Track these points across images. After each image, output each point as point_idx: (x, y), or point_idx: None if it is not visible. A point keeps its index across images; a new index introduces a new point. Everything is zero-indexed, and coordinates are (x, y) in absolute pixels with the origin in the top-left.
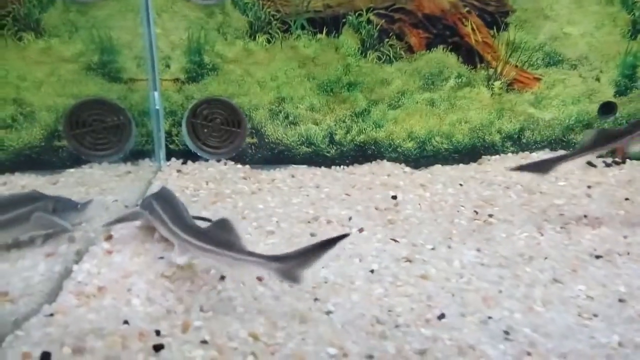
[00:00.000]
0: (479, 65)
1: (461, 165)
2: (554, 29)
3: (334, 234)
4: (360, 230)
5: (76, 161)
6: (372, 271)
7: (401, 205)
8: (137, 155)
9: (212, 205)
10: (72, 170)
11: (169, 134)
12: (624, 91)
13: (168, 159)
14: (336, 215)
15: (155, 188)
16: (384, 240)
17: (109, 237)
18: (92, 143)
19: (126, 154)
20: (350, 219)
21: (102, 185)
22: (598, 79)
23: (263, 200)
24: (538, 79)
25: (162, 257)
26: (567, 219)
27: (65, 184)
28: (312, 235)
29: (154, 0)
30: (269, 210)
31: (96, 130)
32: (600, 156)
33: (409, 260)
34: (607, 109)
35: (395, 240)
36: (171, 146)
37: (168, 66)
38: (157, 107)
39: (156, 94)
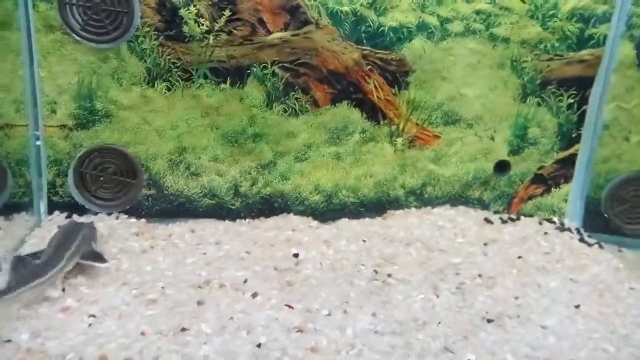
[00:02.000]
0: (382, 122)
1: (367, 219)
2: (451, 89)
3: (225, 301)
4: (254, 295)
5: None
6: (259, 345)
7: (302, 264)
8: (11, 208)
9: (90, 269)
10: None
11: (52, 184)
12: (517, 150)
13: (50, 212)
14: (231, 278)
15: (27, 248)
16: (278, 306)
17: None
18: None
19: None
20: (245, 281)
21: None
22: (492, 138)
23: (153, 260)
24: (438, 137)
25: None
26: (462, 279)
27: None
28: (200, 303)
29: (38, 42)
30: (156, 273)
31: None
32: (496, 212)
33: (301, 330)
34: (502, 167)
35: (290, 306)
36: (54, 198)
37: (54, 112)
38: (38, 155)
39: (39, 141)
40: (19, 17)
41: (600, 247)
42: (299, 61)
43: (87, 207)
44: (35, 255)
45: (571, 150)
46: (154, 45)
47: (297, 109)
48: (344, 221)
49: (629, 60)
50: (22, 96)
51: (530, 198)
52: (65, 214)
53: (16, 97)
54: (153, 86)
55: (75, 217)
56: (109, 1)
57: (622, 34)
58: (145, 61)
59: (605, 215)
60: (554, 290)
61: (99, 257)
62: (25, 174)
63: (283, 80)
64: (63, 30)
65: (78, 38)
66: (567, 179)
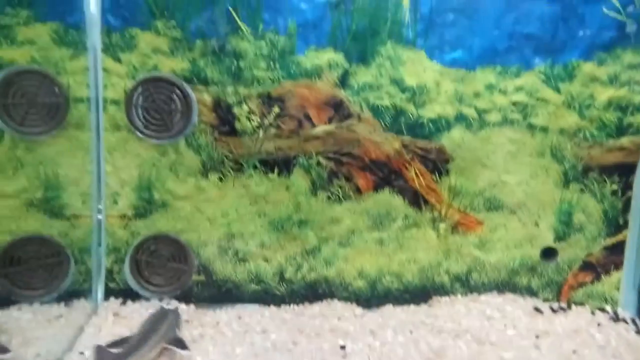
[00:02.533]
0: (424, 208)
1: (412, 306)
2: (492, 176)
3: None
4: None
5: (5, 302)
6: None
7: (350, 357)
8: (72, 294)
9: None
10: None
11: (110, 271)
12: (563, 237)
13: (107, 297)
14: None
15: (87, 336)
16: None
17: None
18: (26, 282)
19: (61, 294)
20: None
21: (27, 334)
22: (537, 225)
23: (204, 350)
24: (480, 223)
25: None
26: None
27: None
28: None
29: (106, 140)
30: None
31: (31, 268)
32: (546, 300)
33: None
34: (548, 253)
35: None
36: (111, 284)
37: (116, 202)
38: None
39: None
40: (91, 119)
41: None
42: (342, 151)
43: (140, 293)
44: (121, 342)
45: (619, 237)
46: (209, 140)
47: (340, 196)
48: (389, 308)
49: None
50: (89, 189)
51: (580, 286)
52: (120, 300)
53: (83, 190)
54: (207, 177)
55: (129, 302)
56: (171, 103)
57: None
58: (200, 155)
59: None
60: None
61: (180, 344)
62: (87, 261)
63: (327, 169)
64: (128, 128)
65: (142, 136)
66: (618, 266)
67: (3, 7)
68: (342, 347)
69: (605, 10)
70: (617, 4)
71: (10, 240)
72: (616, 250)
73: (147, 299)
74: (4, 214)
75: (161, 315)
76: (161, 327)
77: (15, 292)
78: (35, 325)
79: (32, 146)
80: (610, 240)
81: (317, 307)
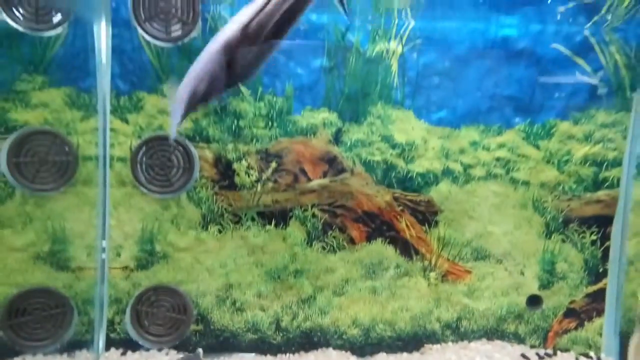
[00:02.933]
0: (414, 257)
1: (405, 354)
2: (479, 227)
3: None
4: None
5: (10, 353)
6: None
7: None
8: (74, 345)
9: None
10: None
11: (111, 322)
12: (547, 285)
13: (107, 348)
14: None
15: None
16: None
17: None
18: (30, 333)
19: (63, 345)
20: None
21: None
22: (522, 273)
23: None
24: (469, 272)
25: None
26: None
27: None
28: None
29: (112, 195)
30: None
31: (36, 319)
32: (532, 346)
33: None
34: (534, 301)
35: None
36: (112, 335)
37: (119, 255)
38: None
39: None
40: (99, 175)
41: None
42: (336, 204)
43: (140, 343)
44: None
45: (600, 285)
46: (210, 194)
47: (334, 246)
48: (382, 356)
49: None
50: (94, 242)
51: (565, 332)
52: (120, 350)
53: (88, 243)
54: (207, 229)
55: (129, 353)
56: (174, 159)
57: (634, 176)
58: (201, 208)
59: None
60: None
61: None
62: (90, 312)
63: (322, 221)
64: (133, 184)
65: (146, 191)
66: (599, 312)
67: (20, 74)
68: None
69: (578, 74)
70: (589, 69)
71: (16, 292)
72: (598, 298)
73: (147, 349)
74: (12, 267)
75: None
76: None
77: (19, 343)
78: None
79: (42, 202)
80: (591, 288)
81: (312, 356)
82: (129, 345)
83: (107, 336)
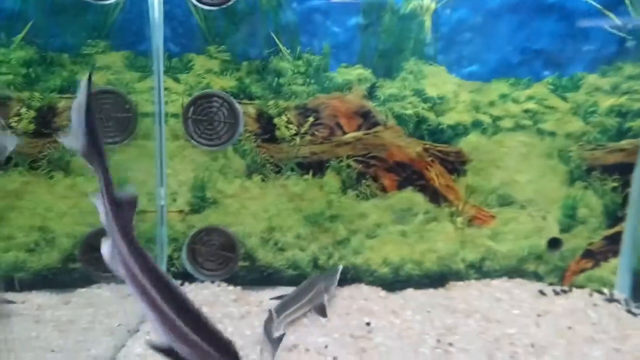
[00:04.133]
0: (442, 204)
1: (431, 289)
2: (505, 176)
3: None
4: (334, 359)
5: (87, 282)
6: None
7: (374, 332)
8: None
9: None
10: (82, 290)
11: (170, 258)
12: (567, 229)
13: None
14: (314, 343)
15: None
16: None
17: None
18: (103, 266)
19: None
20: (326, 347)
21: (109, 308)
22: (544, 218)
23: (250, 325)
24: (493, 217)
25: None
26: (516, 348)
27: (76, 304)
28: None
29: (167, 148)
30: (254, 336)
31: None
32: (550, 284)
33: None
34: (554, 243)
35: None
36: (171, 268)
37: (175, 200)
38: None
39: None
40: (155, 130)
41: None
42: (369, 155)
43: (195, 276)
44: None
45: (617, 228)
46: (253, 146)
47: (368, 194)
48: (410, 291)
49: None
50: (153, 189)
51: (581, 271)
52: (179, 282)
53: (149, 190)
54: (251, 178)
55: (186, 284)
56: (221, 114)
57: None
58: (245, 159)
59: None
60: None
61: (322, 311)
62: (152, 249)
63: (356, 171)
64: (185, 138)
65: (196, 144)
66: (615, 253)
67: (85, 40)
68: (368, 324)
69: (607, 27)
70: (619, 22)
71: (90, 231)
72: (614, 240)
73: (202, 281)
74: (85, 210)
75: (313, 281)
76: (309, 292)
77: (94, 274)
78: (113, 301)
79: (108, 153)
80: (609, 231)
81: (346, 290)
82: (186, 277)
83: (167, 269)
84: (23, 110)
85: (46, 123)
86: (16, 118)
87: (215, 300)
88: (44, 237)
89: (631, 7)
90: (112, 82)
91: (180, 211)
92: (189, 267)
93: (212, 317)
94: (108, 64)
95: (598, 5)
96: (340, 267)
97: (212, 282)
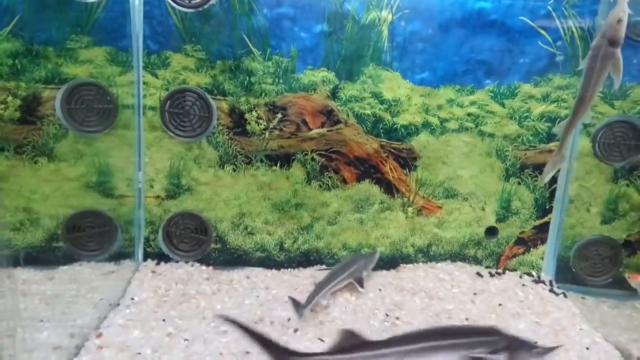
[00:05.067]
0: (396, 195)
1: (384, 271)
2: (450, 171)
3: (275, 334)
4: (295, 330)
5: (69, 259)
6: None
7: (331, 307)
8: (120, 256)
9: (179, 305)
10: (65, 267)
11: (147, 239)
12: (503, 219)
13: (145, 259)
14: (278, 317)
15: (134, 287)
16: (313, 339)
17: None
18: (85, 245)
19: (111, 255)
20: (289, 320)
21: (91, 284)
22: (483, 209)
23: (221, 300)
24: (440, 207)
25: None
26: (453, 322)
27: (60, 280)
28: None
29: (145, 137)
30: (225, 310)
31: (88, 234)
32: (487, 267)
33: None
34: (491, 231)
35: (321, 339)
36: (148, 249)
37: (152, 186)
38: (139, 217)
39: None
40: (135, 121)
41: (565, 296)
42: (331, 149)
43: (171, 256)
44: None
45: (545, 219)
46: (225, 139)
47: (329, 185)
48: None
49: (586, 150)
50: (132, 175)
51: (514, 256)
52: (155, 261)
53: (128, 176)
54: (223, 168)
55: (162, 264)
56: (196, 108)
57: (580, 130)
58: (218, 150)
59: (573, 269)
60: (521, 331)
61: (360, 282)
62: (130, 230)
63: (319, 164)
64: (162, 129)
65: (172, 135)
66: (543, 241)
67: (70, 35)
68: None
69: (540, 43)
70: (550, 39)
71: (72, 213)
72: (543, 229)
73: (176, 261)
74: (68, 193)
75: (355, 258)
76: (351, 267)
77: (76, 252)
78: (95, 277)
79: (90, 141)
80: (538, 222)
81: (308, 271)
82: (162, 257)
83: (145, 250)
84: (9, 98)
85: (31, 111)
86: (2, 105)
87: (189, 279)
88: (29, 218)
89: (560, 27)
90: (95, 75)
91: (157, 196)
92: (164, 248)
93: (187, 294)
94: (91, 58)
95: (533, 24)
96: (379, 250)
97: (186, 262)
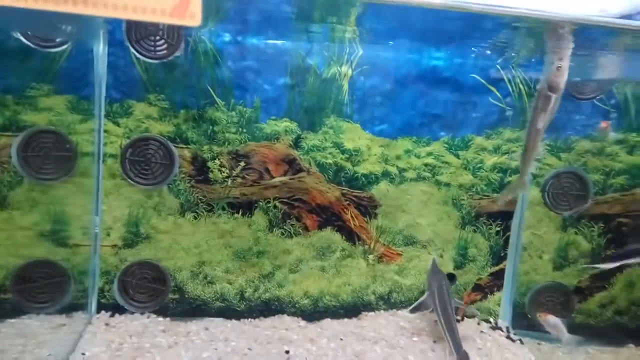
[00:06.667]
0: (357, 243)
1: (345, 319)
2: (409, 219)
3: None
4: None
5: (17, 312)
6: None
7: (292, 359)
8: (71, 308)
9: None
10: (12, 320)
11: (101, 290)
12: (460, 265)
13: (99, 311)
14: None
15: (85, 341)
16: None
17: None
18: (34, 297)
19: (63, 307)
20: None
21: (39, 338)
22: (442, 256)
23: (177, 354)
24: (400, 255)
25: None
26: None
27: (5, 334)
28: None
29: (104, 185)
30: None
31: (39, 285)
32: None
33: None
34: (450, 278)
35: None
36: (102, 300)
37: (109, 234)
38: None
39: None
40: (94, 169)
41: (522, 342)
42: (294, 197)
43: (126, 307)
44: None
45: (501, 266)
46: (187, 186)
47: (292, 232)
48: (327, 321)
49: (536, 200)
50: (88, 224)
51: (472, 302)
52: (109, 313)
53: (84, 225)
54: (184, 216)
55: (117, 315)
56: (157, 156)
57: (530, 181)
58: (179, 198)
59: (529, 316)
60: None
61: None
62: (84, 281)
63: (282, 211)
64: (122, 177)
65: (133, 182)
66: (499, 287)
67: (30, 82)
68: (287, 352)
69: (491, 99)
70: (500, 96)
71: (23, 263)
72: (498, 276)
73: (132, 313)
74: (20, 242)
75: (438, 280)
76: (447, 291)
77: (25, 305)
78: (44, 331)
79: (45, 189)
80: (494, 268)
81: (269, 321)
82: (117, 309)
83: (98, 301)
84: None
85: None
86: None
87: (144, 331)
88: None
89: (509, 85)
90: (54, 123)
91: (114, 245)
92: (119, 299)
93: (141, 348)
94: (51, 106)
95: (483, 81)
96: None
97: (142, 313)
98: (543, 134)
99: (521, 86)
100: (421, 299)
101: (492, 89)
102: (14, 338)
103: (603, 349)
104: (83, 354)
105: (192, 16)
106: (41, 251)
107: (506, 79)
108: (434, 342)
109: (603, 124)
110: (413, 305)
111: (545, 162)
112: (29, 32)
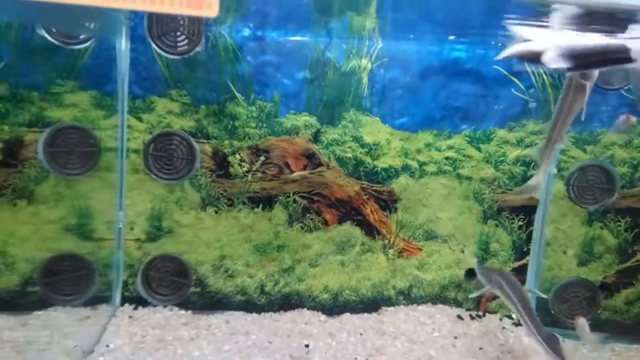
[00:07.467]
0: (376, 237)
1: (365, 314)
2: (430, 214)
3: None
4: None
5: (43, 304)
6: None
7: (312, 353)
8: (96, 300)
9: (155, 352)
10: (39, 312)
11: (125, 283)
12: (482, 261)
13: (122, 304)
14: None
15: (109, 333)
16: None
17: None
18: (61, 289)
19: (88, 300)
20: None
21: (65, 330)
22: (463, 251)
23: (199, 347)
24: (420, 249)
25: None
26: None
27: (33, 326)
28: None
29: (127, 180)
30: (202, 358)
31: (66, 278)
32: (468, 309)
33: None
34: (471, 274)
35: None
36: (126, 293)
37: (132, 229)
38: (118, 260)
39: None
40: (117, 164)
41: None
42: (313, 192)
43: (149, 300)
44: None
45: (523, 261)
46: (208, 181)
47: (311, 226)
48: (347, 315)
49: (561, 193)
50: (113, 218)
51: (494, 298)
52: (133, 306)
53: (108, 219)
54: (205, 210)
55: (140, 308)
56: (179, 152)
57: (555, 174)
58: (201, 192)
59: (552, 312)
60: None
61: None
62: (108, 274)
63: (301, 206)
64: (145, 172)
65: (155, 177)
66: (522, 283)
67: (55, 79)
68: (307, 346)
69: (513, 91)
70: (523, 87)
71: (50, 256)
72: (521, 271)
73: (155, 306)
74: (47, 236)
75: (506, 278)
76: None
77: (52, 297)
78: (69, 323)
79: (71, 184)
80: (517, 263)
81: (289, 315)
82: (140, 302)
83: (122, 294)
84: None
85: (13, 154)
86: None
87: (167, 324)
88: (4, 262)
89: (532, 76)
90: (79, 119)
91: (137, 239)
92: (143, 292)
93: (164, 340)
94: (75, 102)
95: (506, 72)
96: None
97: (165, 306)
98: (569, 127)
99: (545, 77)
100: (483, 290)
101: (515, 80)
102: (41, 330)
103: (630, 346)
104: (107, 345)
105: (210, 7)
106: (67, 245)
107: (529, 70)
108: (455, 337)
109: (625, 118)
110: (474, 294)
111: (570, 155)
112: (54, 30)
